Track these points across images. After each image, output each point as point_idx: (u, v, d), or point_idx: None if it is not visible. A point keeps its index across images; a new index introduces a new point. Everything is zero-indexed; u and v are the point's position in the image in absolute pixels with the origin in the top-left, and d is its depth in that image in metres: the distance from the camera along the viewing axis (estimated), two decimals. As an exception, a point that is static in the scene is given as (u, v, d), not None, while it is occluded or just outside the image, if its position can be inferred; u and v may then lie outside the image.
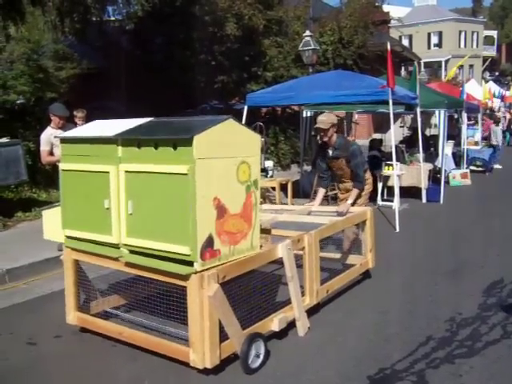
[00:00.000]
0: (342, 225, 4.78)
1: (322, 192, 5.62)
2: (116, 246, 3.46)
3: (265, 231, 4.42)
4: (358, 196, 5.38)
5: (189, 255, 3.11)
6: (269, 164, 11.03)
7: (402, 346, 3.72)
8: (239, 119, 9.03)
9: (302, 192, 10.20)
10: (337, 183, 5.76)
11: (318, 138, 5.43)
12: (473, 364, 3.46)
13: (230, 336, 3.30)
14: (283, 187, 9.26)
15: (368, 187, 5.58)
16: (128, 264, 3.44)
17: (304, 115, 11.20)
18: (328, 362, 3.53)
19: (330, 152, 5.41)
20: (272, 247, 3.82)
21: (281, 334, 3.79)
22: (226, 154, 3.31)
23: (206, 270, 3.16)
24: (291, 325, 3.88)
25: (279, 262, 3.90)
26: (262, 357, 3.43)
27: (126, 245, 3.41)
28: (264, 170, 10.53)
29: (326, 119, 5.28)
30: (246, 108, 9.25)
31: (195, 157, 3.06)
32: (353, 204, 5.28)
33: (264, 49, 13.93)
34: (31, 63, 8.96)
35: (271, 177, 10.17)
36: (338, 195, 5.85)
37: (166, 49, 13.32)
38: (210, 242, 3.19)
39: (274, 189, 9.17)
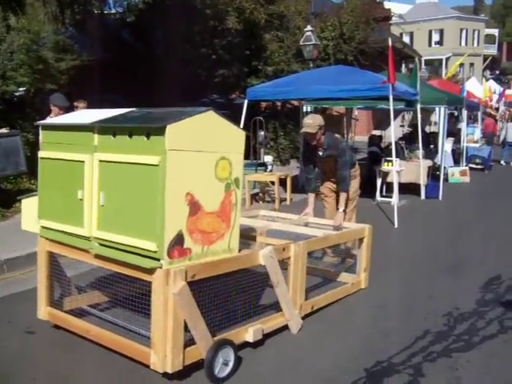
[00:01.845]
0: (336, 239, 4.62)
1: (312, 197, 5.42)
2: (87, 239, 3.33)
3: (250, 238, 4.26)
4: (348, 198, 5.25)
5: (155, 252, 2.93)
6: (268, 159, 11.05)
7: (400, 340, 3.73)
8: (239, 114, 9.14)
9: (300, 187, 10.20)
10: (323, 181, 5.58)
11: (306, 140, 5.25)
12: (469, 358, 3.47)
13: (196, 340, 3.06)
14: (282, 182, 9.26)
15: (356, 182, 5.43)
16: (97, 256, 3.31)
17: (304, 110, 11.20)
18: (325, 355, 3.53)
19: (321, 153, 5.24)
20: (252, 252, 3.60)
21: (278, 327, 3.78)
22: (203, 147, 3.09)
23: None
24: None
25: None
26: (231, 365, 3.18)
27: (96, 238, 3.27)
28: (263, 165, 10.56)
29: (312, 122, 5.06)
30: (246, 102, 9.25)
31: (167, 147, 2.88)
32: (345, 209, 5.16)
33: (265, 43, 13.91)
34: (31, 54, 8.91)
35: (270, 171, 10.19)
36: (322, 190, 5.61)
37: (166, 42, 13.29)
38: (179, 239, 2.99)
39: (273, 183, 9.18)
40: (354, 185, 5.43)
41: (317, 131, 5.06)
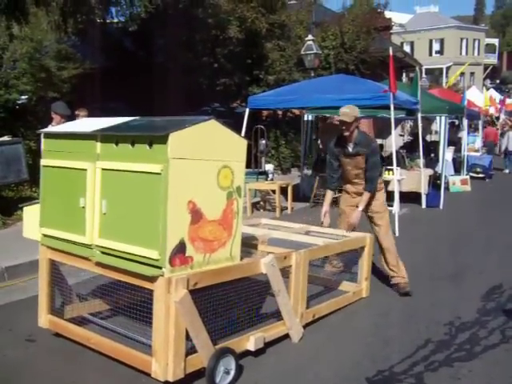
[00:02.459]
0: (337, 247, 4.56)
1: (330, 194, 5.15)
2: (89, 247, 3.33)
3: (251, 246, 4.26)
4: (370, 200, 4.95)
5: (157, 260, 2.94)
6: (269, 167, 11.06)
7: (401, 349, 3.72)
8: (240, 122, 9.16)
9: (301, 195, 10.22)
10: (345, 184, 5.17)
11: (340, 132, 4.97)
12: (471, 367, 3.46)
13: (197, 349, 3.06)
14: (283, 190, 9.27)
15: (382, 194, 5.13)
16: (99, 264, 3.31)
17: (305, 119, 11.22)
18: (326, 363, 3.52)
19: (350, 148, 4.91)
20: (253, 261, 3.59)
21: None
22: (205, 156, 3.10)
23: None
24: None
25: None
26: (232, 373, 3.17)
27: (98, 246, 3.27)
28: (264, 173, 10.57)
29: (350, 111, 4.78)
30: (247, 110, 9.28)
31: (170, 156, 2.89)
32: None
33: (266, 52, 13.98)
34: (34, 62, 8.96)
35: (271, 180, 10.19)
36: (343, 208, 5.16)
37: (168, 50, 13.35)
38: (181, 247, 2.99)
39: (274, 192, 9.18)
40: (381, 197, 5.10)
41: (352, 121, 4.80)
